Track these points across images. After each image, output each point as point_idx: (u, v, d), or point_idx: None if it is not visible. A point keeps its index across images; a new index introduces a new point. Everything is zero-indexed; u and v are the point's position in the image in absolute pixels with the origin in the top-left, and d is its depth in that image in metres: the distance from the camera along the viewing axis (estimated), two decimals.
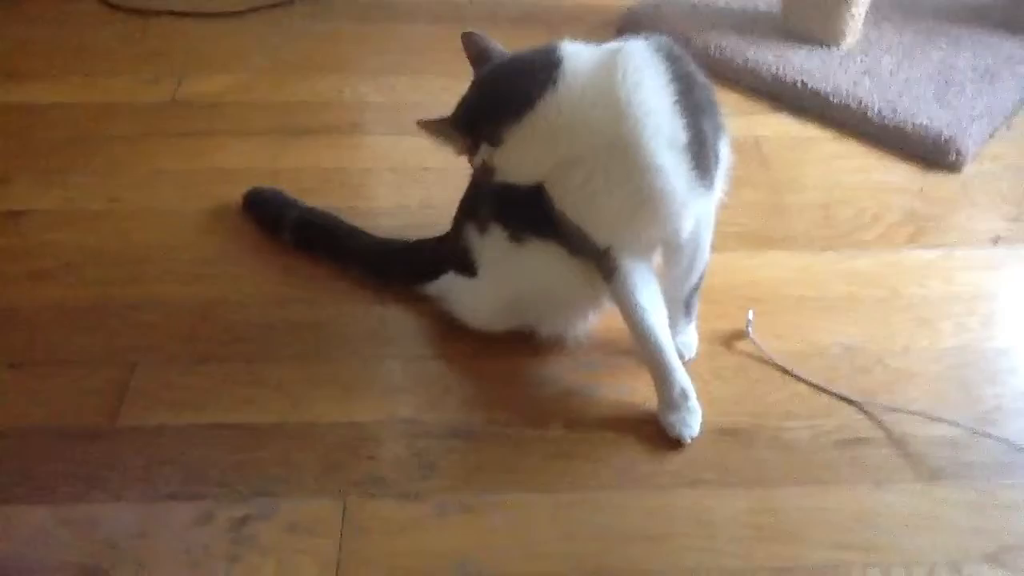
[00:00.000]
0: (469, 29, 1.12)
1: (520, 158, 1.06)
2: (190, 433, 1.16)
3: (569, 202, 1.07)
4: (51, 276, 1.36)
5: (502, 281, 1.21)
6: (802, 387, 1.22)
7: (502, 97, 1.06)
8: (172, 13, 1.99)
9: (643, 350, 1.15)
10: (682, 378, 1.14)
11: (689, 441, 1.14)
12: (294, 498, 1.09)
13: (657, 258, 1.19)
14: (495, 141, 1.05)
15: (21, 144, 1.61)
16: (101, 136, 1.64)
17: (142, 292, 1.34)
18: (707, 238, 1.17)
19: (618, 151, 1.01)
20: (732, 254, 1.42)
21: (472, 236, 1.22)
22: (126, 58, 1.85)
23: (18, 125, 1.66)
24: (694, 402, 1.15)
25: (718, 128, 1.09)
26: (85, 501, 1.08)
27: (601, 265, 1.11)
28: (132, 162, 1.58)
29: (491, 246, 1.20)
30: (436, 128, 1.10)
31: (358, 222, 1.40)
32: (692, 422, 1.15)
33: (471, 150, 1.08)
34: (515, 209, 1.15)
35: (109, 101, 1.73)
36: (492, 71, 1.09)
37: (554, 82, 1.02)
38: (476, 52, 1.11)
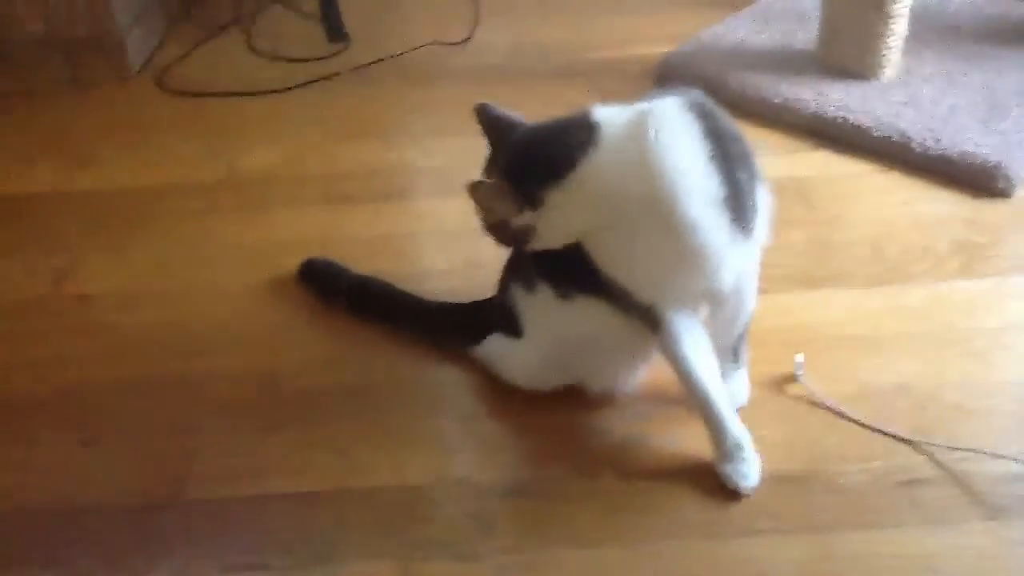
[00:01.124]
0: (483, 101, 1.16)
1: (561, 220, 1.08)
2: (253, 503, 1.19)
3: (610, 262, 1.09)
4: (118, 355, 1.42)
5: (550, 338, 1.22)
6: (856, 429, 1.21)
7: (543, 158, 1.08)
8: (223, 94, 2.08)
9: (694, 401, 1.15)
10: (735, 428, 1.14)
11: (747, 492, 1.14)
12: (354, 562, 1.11)
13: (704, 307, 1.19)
14: (536, 203, 1.07)
15: (90, 228, 1.69)
16: (162, 216, 1.71)
17: (203, 366, 1.39)
18: (752, 286, 1.17)
19: (655, 211, 1.02)
20: (780, 296, 1.42)
21: (518, 295, 1.24)
22: (181, 138, 1.94)
23: (87, 211, 1.74)
24: (750, 452, 1.14)
25: (754, 177, 1.09)
26: (153, 573, 1.11)
27: (646, 319, 1.12)
28: (191, 240, 1.65)
29: (538, 304, 1.22)
30: (486, 190, 1.11)
31: (407, 286, 1.43)
32: (749, 472, 1.14)
33: (518, 210, 1.09)
34: (560, 267, 1.17)
35: (169, 182, 1.80)
36: (531, 134, 1.11)
37: (594, 144, 1.04)
38: (490, 122, 1.14)
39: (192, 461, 1.24)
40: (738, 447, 1.14)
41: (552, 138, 1.09)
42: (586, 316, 1.17)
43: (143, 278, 1.57)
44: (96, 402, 1.35)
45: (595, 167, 1.04)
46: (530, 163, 1.09)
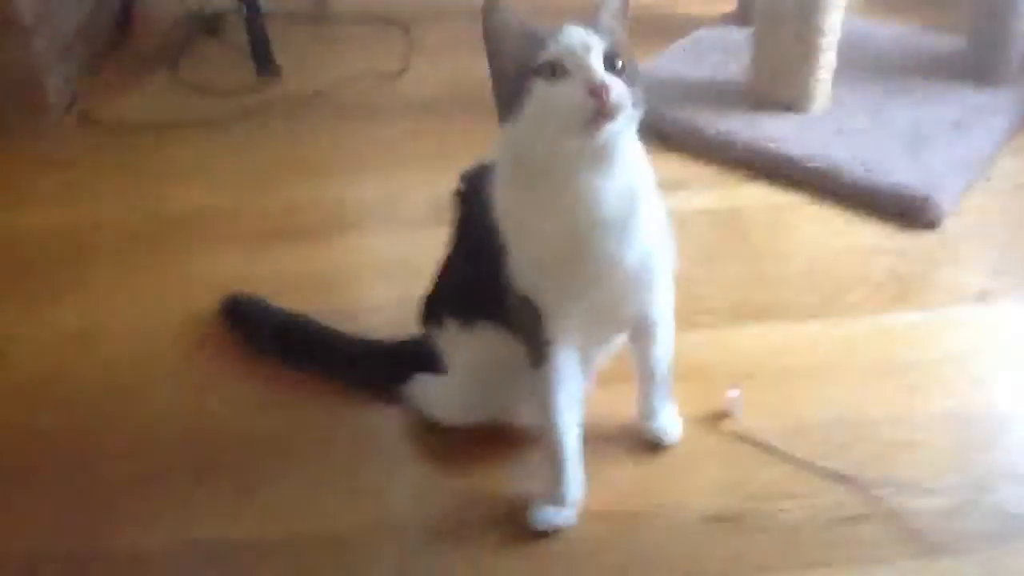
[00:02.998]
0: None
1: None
2: (174, 552, 1.14)
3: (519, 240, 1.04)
4: (34, 398, 1.37)
5: (465, 371, 1.21)
6: (792, 465, 1.20)
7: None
8: (151, 126, 2.02)
9: (550, 444, 1.13)
10: (575, 485, 1.14)
11: (546, 529, 1.13)
12: None
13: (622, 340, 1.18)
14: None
15: (7, 269, 1.62)
16: (82, 255, 1.65)
17: (123, 411, 1.34)
18: (667, 316, 1.16)
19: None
20: (715, 330, 1.41)
21: (434, 332, 1.23)
22: (106, 176, 1.88)
23: (4, 251, 1.67)
24: (572, 508, 1.14)
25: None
26: None
27: (534, 351, 1.09)
28: (114, 278, 1.59)
29: (450, 339, 1.21)
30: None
31: (337, 322, 1.39)
32: (555, 519, 1.14)
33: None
34: (464, 296, 1.16)
35: (91, 220, 1.74)
36: None
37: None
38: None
39: (111, 509, 1.19)
40: (565, 499, 1.14)
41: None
42: (488, 345, 1.15)
43: (62, 320, 1.51)
44: (10, 447, 1.29)
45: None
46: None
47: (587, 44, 0.94)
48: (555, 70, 0.94)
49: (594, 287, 1.04)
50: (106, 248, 1.67)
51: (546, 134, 0.95)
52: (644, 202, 1.02)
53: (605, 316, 1.09)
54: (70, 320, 1.51)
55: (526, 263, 1.04)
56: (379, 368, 1.33)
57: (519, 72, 0.96)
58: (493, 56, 1.00)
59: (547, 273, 1.03)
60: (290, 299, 1.46)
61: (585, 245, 1.00)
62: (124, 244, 1.67)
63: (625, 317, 1.12)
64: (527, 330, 1.08)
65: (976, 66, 1.94)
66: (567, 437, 1.12)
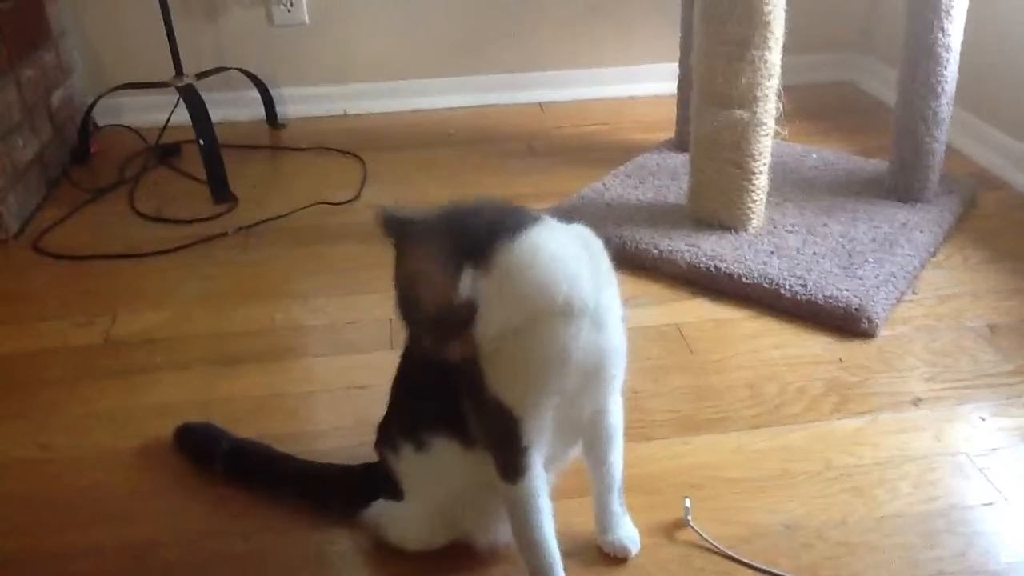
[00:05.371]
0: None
1: (500, 302, 0.96)
2: None
3: (504, 370, 1.02)
4: None
5: (420, 495, 1.21)
6: (747, 572, 1.21)
7: (496, 216, 0.98)
8: (105, 256, 2.05)
9: (534, 560, 1.13)
10: None
11: None
12: None
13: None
14: (487, 263, 0.95)
15: None
16: (32, 383, 1.64)
17: (72, 540, 1.31)
18: (617, 419, 1.18)
19: (565, 311, 0.99)
20: (665, 442, 1.45)
21: (390, 458, 1.23)
22: (59, 302, 1.89)
23: None
24: None
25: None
26: None
27: (509, 461, 1.08)
28: (64, 406, 1.58)
29: (405, 463, 1.21)
30: (426, 250, 0.94)
31: (293, 446, 1.40)
32: None
33: (457, 271, 0.94)
34: (414, 413, 1.17)
35: (42, 347, 1.75)
36: (473, 204, 1.01)
37: (542, 221, 0.98)
38: (392, 223, 1.03)
39: None
40: None
41: (505, 207, 1.01)
42: (445, 466, 1.15)
43: (8, 448, 1.49)
44: None
45: (539, 240, 0.97)
46: (482, 222, 0.97)
47: None
48: None
49: (568, 376, 1.03)
50: (52, 376, 1.66)
51: None
52: (614, 290, 1.06)
53: (573, 412, 1.09)
54: (15, 447, 1.49)
55: (502, 367, 1.02)
56: (336, 493, 1.32)
57: None
58: None
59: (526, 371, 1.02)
60: (245, 423, 1.47)
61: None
62: (72, 372, 1.67)
63: (587, 415, 1.13)
64: (501, 439, 1.07)
65: (899, 186, 2.07)
66: (552, 548, 1.12)
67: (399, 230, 1.01)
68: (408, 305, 0.99)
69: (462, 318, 0.96)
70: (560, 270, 0.97)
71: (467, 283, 0.94)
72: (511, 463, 1.08)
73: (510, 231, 0.96)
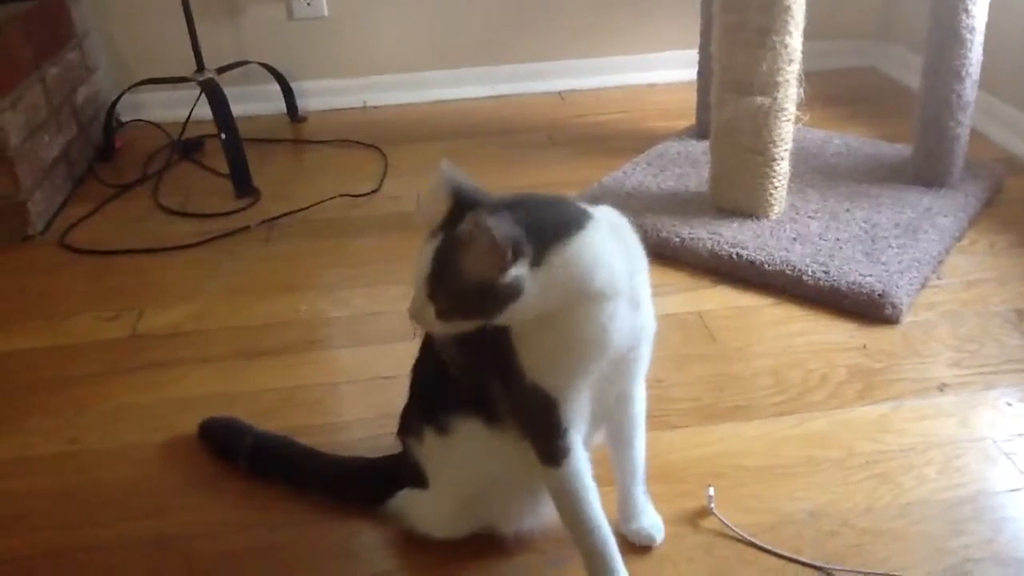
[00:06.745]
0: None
1: (542, 290, 0.97)
2: None
3: (541, 350, 1.03)
4: (9, 524, 1.35)
5: (445, 482, 1.22)
6: (772, 559, 1.21)
7: (557, 215, 1.00)
8: (130, 251, 2.07)
9: (588, 542, 1.13)
10: (624, 570, 1.13)
11: None
12: None
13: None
14: (539, 260, 0.96)
15: None
16: (61, 379, 1.66)
17: (102, 533, 1.33)
18: (644, 403, 1.19)
19: (604, 296, 1.01)
20: (688, 430, 1.45)
21: (414, 447, 1.24)
22: (86, 298, 1.91)
23: None
24: None
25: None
26: None
27: (549, 446, 1.08)
28: (92, 401, 1.60)
29: (429, 450, 1.21)
30: (489, 229, 0.92)
31: (318, 438, 1.41)
32: None
33: (513, 260, 0.95)
34: (435, 394, 1.17)
35: (69, 343, 1.77)
36: (535, 198, 1.03)
37: (593, 218, 1.01)
38: (462, 192, 1.02)
39: None
40: None
41: (560, 203, 1.04)
42: (466, 445, 1.16)
43: (38, 444, 1.51)
44: None
45: (590, 241, 0.99)
46: (543, 217, 0.99)
47: None
48: None
49: (607, 356, 1.04)
50: (80, 371, 1.68)
51: None
52: (645, 271, 1.08)
53: (601, 396, 1.09)
54: (44, 443, 1.51)
55: (541, 351, 1.04)
56: (360, 485, 1.33)
57: None
58: None
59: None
60: (270, 416, 1.48)
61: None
62: (99, 367, 1.69)
63: (612, 400, 1.13)
64: (540, 424, 1.08)
65: (922, 171, 2.05)
66: (604, 528, 1.12)
67: (469, 198, 1.01)
68: (449, 268, 0.98)
69: (496, 301, 0.97)
70: (601, 266, 1.00)
71: (519, 272, 0.96)
72: (552, 447, 1.08)
73: (567, 232, 0.98)
